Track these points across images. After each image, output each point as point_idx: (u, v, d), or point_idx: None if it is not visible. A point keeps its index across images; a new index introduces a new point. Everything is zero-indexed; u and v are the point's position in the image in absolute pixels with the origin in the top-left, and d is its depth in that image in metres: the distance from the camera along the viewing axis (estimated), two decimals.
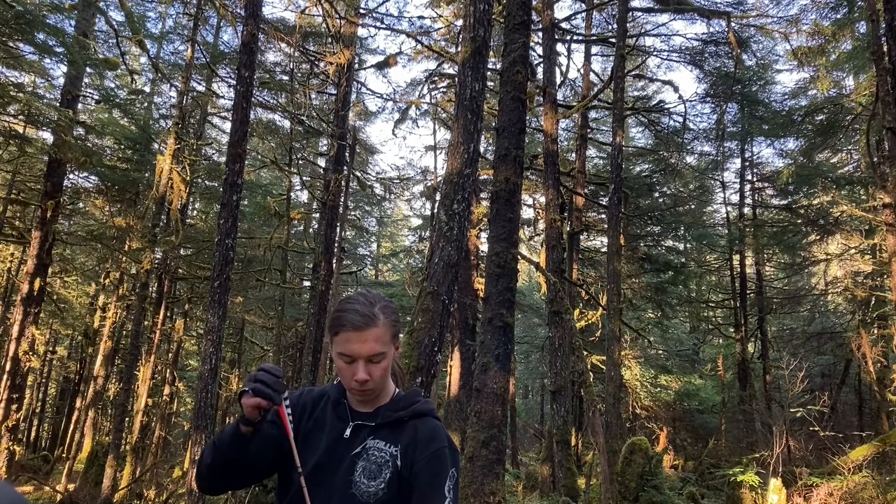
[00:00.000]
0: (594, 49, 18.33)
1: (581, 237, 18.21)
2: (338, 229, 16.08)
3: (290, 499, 1.47)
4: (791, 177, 14.88)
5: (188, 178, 12.68)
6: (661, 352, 20.63)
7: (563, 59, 16.04)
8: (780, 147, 17.81)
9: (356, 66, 15.60)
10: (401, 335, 1.62)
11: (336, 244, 15.54)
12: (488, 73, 7.00)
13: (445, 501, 1.42)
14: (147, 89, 17.83)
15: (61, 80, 12.32)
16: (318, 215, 16.89)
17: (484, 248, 15.51)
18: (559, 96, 15.21)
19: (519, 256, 7.51)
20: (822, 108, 14.85)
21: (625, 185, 15.23)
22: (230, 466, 1.48)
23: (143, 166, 14.18)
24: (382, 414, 1.52)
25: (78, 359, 20.39)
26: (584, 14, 16.92)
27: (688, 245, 21.66)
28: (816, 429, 11.45)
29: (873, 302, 14.67)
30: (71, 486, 12.45)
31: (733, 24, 13.40)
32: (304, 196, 21.10)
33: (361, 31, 15.48)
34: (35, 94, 11.67)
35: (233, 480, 1.53)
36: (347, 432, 1.50)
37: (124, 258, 14.53)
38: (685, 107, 15.58)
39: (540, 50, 13.84)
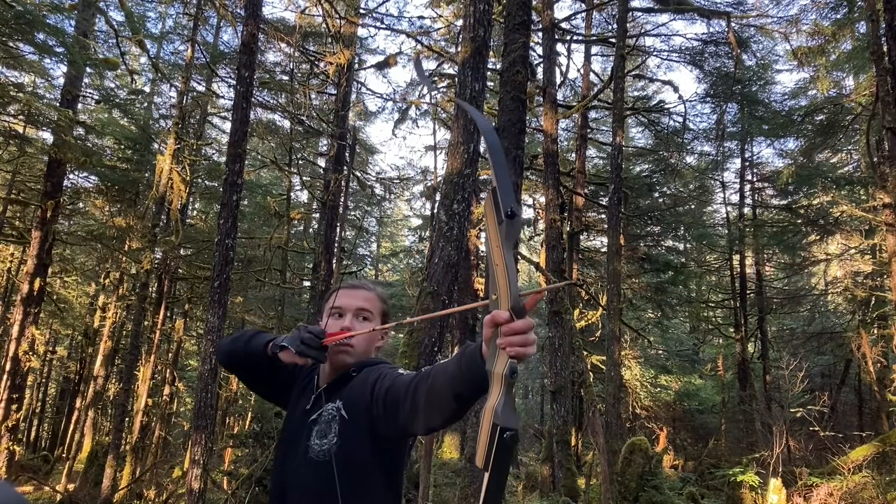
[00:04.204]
0: (594, 49, 18.33)
1: (581, 237, 18.20)
2: (338, 229, 16.07)
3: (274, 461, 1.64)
4: (791, 177, 14.88)
5: (188, 178, 12.67)
6: (661, 352, 20.62)
7: (563, 59, 16.04)
8: (780, 147, 17.82)
9: (356, 66, 15.60)
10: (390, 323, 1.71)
11: (336, 244, 15.54)
12: (488, 73, 6.99)
13: (401, 371, 1.46)
14: (147, 89, 17.82)
15: (61, 80, 12.31)
16: (318, 215, 16.88)
17: (484, 248, 15.50)
18: (559, 96, 15.21)
19: (519, 256, 7.51)
20: (822, 108, 14.84)
21: (625, 185, 15.23)
22: (239, 360, 1.68)
23: (143, 166, 14.16)
24: (333, 377, 1.59)
25: (78, 359, 20.37)
26: (584, 14, 16.92)
27: (688, 245, 21.65)
28: (816, 429, 11.44)
29: (873, 302, 14.65)
30: (71, 486, 12.45)
31: (733, 24, 13.40)
32: (304, 196, 21.09)
33: (361, 31, 15.49)
34: (35, 94, 11.65)
35: (237, 369, 1.74)
36: (309, 404, 1.58)
37: (124, 258, 14.52)
38: (685, 107, 15.54)
39: (540, 50, 13.84)
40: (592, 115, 19.07)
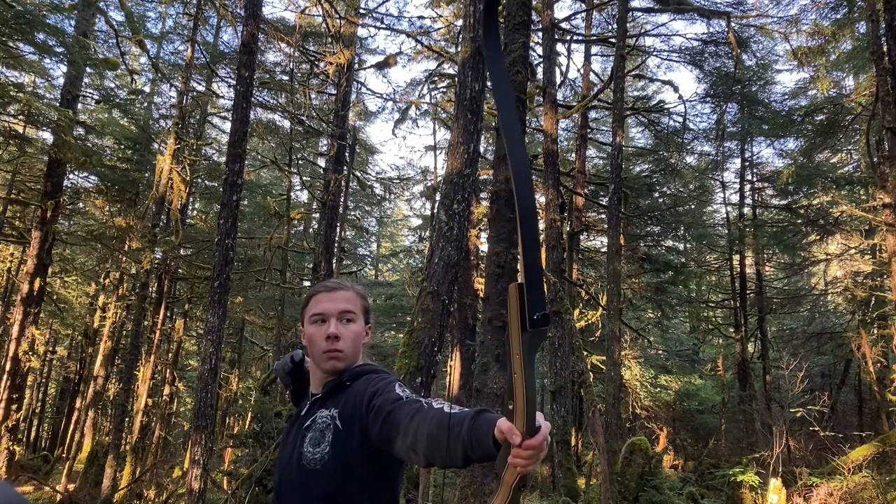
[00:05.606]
0: (594, 49, 18.33)
1: (581, 237, 18.20)
2: (338, 229, 16.08)
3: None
4: (791, 177, 14.87)
5: (188, 178, 12.68)
6: (661, 352, 20.62)
7: (563, 59, 16.05)
8: (780, 147, 17.80)
9: (356, 66, 15.60)
10: (371, 321, 1.68)
11: (336, 244, 15.54)
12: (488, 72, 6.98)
13: (399, 392, 1.41)
14: (147, 89, 17.83)
15: (61, 80, 12.31)
16: (318, 215, 16.87)
17: (484, 248, 15.50)
18: (559, 96, 15.20)
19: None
20: (822, 108, 14.84)
21: (625, 185, 15.23)
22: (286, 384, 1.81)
23: (143, 166, 14.16)
24: (328, 384, 1.57)
25: (78, 359, 20.38)
26: (584, 14, 16.92)
27: (688, 245, 21.65)
28: (816, 429, 11.44)
29: (873, 302, 14.65)
30: (71, 486, 12.45)
31: (733, 24, 13.40)
32: (304, 196, 21.09)
33: (361, 31, 15.49)
34: (35, 94, 11.65)
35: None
36: (303, 411, 1.58)
37: (124, 258, 14.52)
38: (685, 107, 15.54)
39: (540, 50, 13.84)
40: (592, 115, 19.07)
